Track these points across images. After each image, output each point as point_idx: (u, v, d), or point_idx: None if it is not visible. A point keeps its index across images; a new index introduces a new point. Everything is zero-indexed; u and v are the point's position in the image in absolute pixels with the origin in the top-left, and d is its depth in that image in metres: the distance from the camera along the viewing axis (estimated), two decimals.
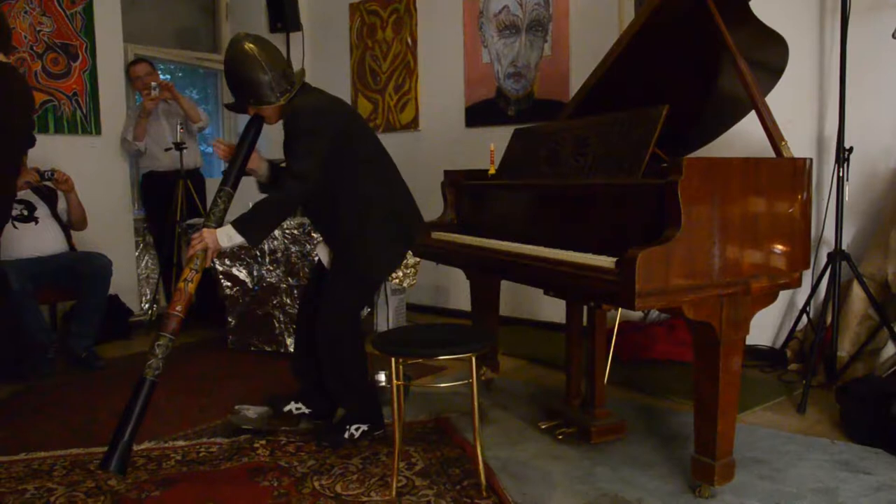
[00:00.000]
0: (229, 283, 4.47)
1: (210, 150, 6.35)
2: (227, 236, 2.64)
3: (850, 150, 3.34)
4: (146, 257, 5.47)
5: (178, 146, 4.92)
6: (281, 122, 2.82)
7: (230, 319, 4.52)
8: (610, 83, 2.81)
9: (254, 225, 2.67)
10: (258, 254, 4.37)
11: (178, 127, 4.96)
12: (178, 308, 2.63)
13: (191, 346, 4.70)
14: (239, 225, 2.65)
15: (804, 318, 3.67)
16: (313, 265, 3.31)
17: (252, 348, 4.46)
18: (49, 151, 4.66)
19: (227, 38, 5.73)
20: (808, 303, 3.61)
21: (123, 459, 2.43)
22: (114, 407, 3.42)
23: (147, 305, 5.39)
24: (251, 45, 2.70)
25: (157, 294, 5.37)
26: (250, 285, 4.43)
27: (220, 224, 2.72)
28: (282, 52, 2.80)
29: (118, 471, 2.42)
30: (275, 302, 4.34)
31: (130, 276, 5.27)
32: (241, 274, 4.45)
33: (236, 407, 3.10)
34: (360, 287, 2.89)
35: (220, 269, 4.46)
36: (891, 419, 2.68)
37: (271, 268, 4.33)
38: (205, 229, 2.67)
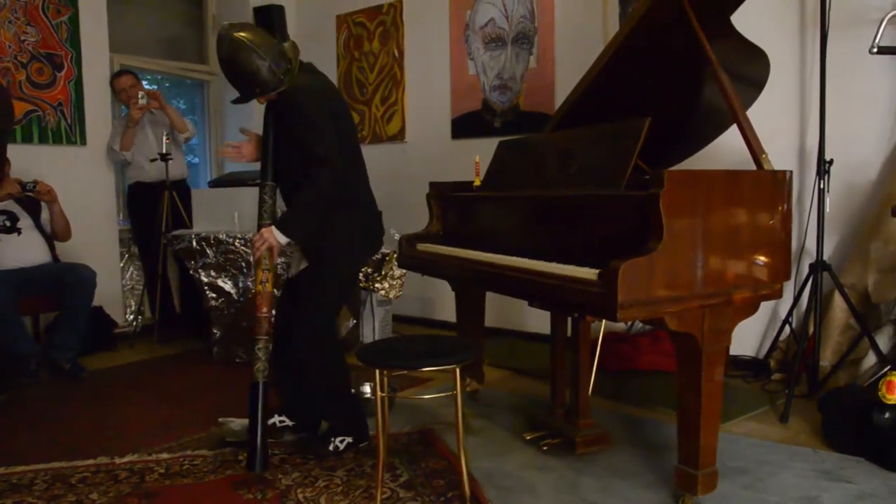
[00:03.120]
0: (214, 295, 4.45)
1: (196, 160, 6.35)
2: (280, 234, 2.70)
3: (831, 162, 3.37)
4: (131, 268, 5.44)
5: (164, 157, 4.90)
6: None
7: (215, 331, 4.50)
8: (594, 95, 2.82)
9: (296, 223, 2.72)
10: (243, 265, 4.37)
11: (164, 137, 4.94)
12: (265, 309, 2.75)
13: (175, 357, 4.68)
14: (282, 226, 2.70)
15: (787, 329, 3.69)
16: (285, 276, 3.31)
17: (237, 360, 4.44)
18: (33, 162, 4.64)
19: (214, 49, 5.75)
20: (790, 313, 3.63)
21: (263, 458, 2.68)
22: (98, 419, 3.40)
23: (132, 317, 5.36)
24: (241, 34, 2.64)
25: (142, 305, 5.34)
26: (235, 297, 4.42)
27: (273, 219, 2.77)
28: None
29: (262, 468, 2.67)
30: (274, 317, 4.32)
31: (115, 287, 5.24)
32: (227, 285, 4.43)
33: (220, 419, 3.09)
34: (331, 285, 2.85)
35: (206, 280, 4.44)
36: (872, 428, 2.70)
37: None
38: (263, 229, 2.72)
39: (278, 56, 2.69)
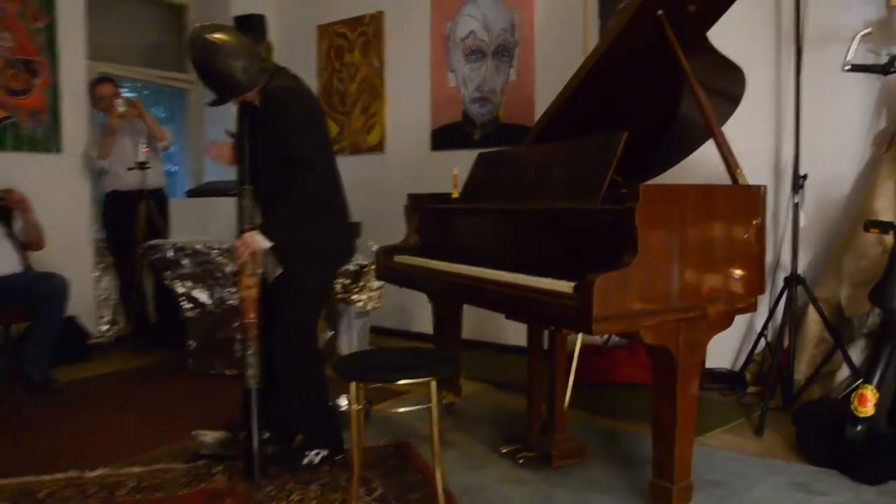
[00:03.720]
0: (190, 305, 4.42)
1: (175, 168, 6.30)
2: (263, 239, 2.69)
3: (805, 177, 3.42)
4: (106, 278, 5.38)
5: (142, 165, 4.86)
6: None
7: (190, 342, 4.46)
8: (573, 109, 2.84)
9: (280, 227, 2.71)
10: (220, 275, 4.33)
11: (142, 146, 4.89)
12: (252, 315, 2.73)
13: (149, 368, 4.63)
14: (267, 230, 2.69)
15: (762, 342, 3.72)
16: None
17: (212, 372, 4.40)
18: (7, 169, 4.58)
19: None
20: (765, 326, 3.66)
21: (262, 466, 2.70)
22: (69, 432, 3.35)
23: (106, 328, 5.29)
24: (213, 36, 2.62)
25: (116, 316, 5.27)
26: (212, 307, 4.38)
27: (253, 223, 2.75)
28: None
29: (261, 477, 2.69)
30: (236, 325, 4.29)
31: (88, 297, 5.17)
32: (203, 296, 4.40)
33: (194, 432, 3.05)
34: (308, 293, 2.84)
35: (181, 290, 4.40)
36: (844, 441, 2.72)
37: (233, 290, 4.29)
38: (245, 233, 2.70)
39: (252, 56, 2.69)
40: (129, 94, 5.47)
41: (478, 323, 4.78)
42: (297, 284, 2.80)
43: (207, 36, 2.62)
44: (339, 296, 4.53)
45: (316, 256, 2.82)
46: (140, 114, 5.06)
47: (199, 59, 2.65)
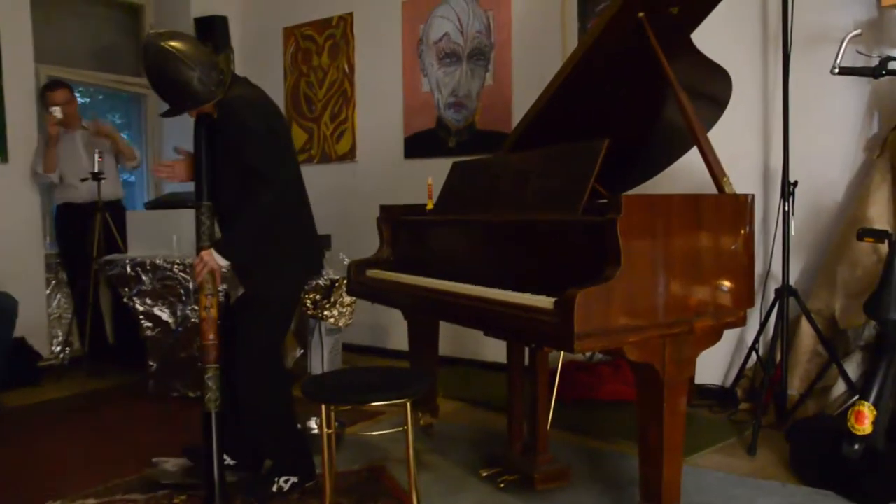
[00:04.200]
0: (150, 324, 4.38)
1: (132, 178, 6.25)
2: (221, 257, 2.69)
3: (795, 183, 3.46)
4: (59, 296, 5.32)
5: (96, 176, 4.82)
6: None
7: (151, 362, 4.43)
8: (551, 114, 2.86)
9: (236, 245, 2.71)
10: (182, 292, 4.30)
11: (97, 155, 4.85)
12: (212, 336, 2.73)
13: (106, 392, 4.58)
14: (222, 248, 2.68)
15: (753, 356, 3.75)
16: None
17: (174, 394, 4.37)
18: None
19: None
20: (756, 340, 3.69)
21: (224, 494, 2.67)
22: (17, 461, 3.30)
23: (59, 348, 5.23)
24: (168, 44, 2.62)
25: (70, 336, 5.21)
26: (173, 326, 4.35)
27: (212, 240, 2.75)
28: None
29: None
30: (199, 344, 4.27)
31: (40, 316, 5.11)
32: (164, 314, 4.37)
33: (154, 459, 3.02)
34: (272, 311, 2.84)
35: (141, 308, 4.37)
36: (841, 460, 2.72)
37: (196, 307, 4.26)
38: (203, 252, 2.69)
39: (209, 67, 2.69)
40: (82, 101, 5.44)
41: (455, 339, 4.78)
42: (259, 302, 2.80)
43: (162, 43, 2.62)
44: (310, 312, 4.52)
45: (278, 272, 2.82)
46: (112, 139, 5.06)
47: (152, 67, 2.66)
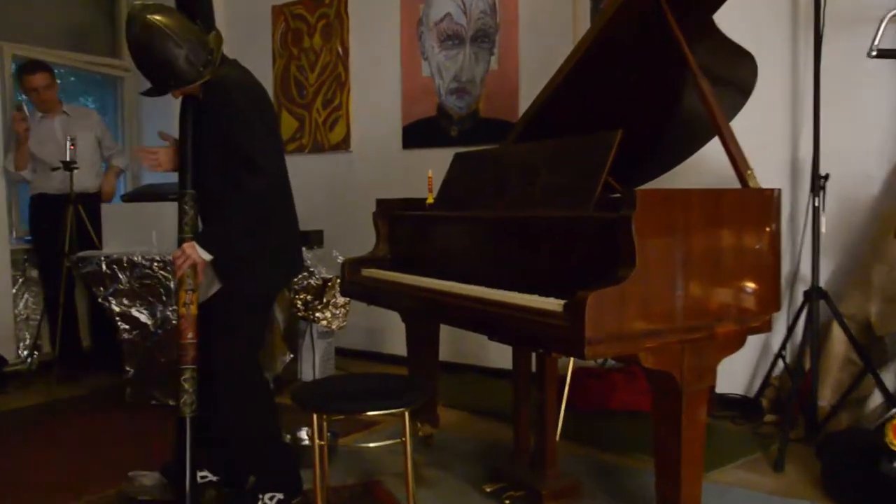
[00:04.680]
0: (127, 326, 4.39)
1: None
2: (204, 251, 2.68)
3: (826, 177, 3.46)
4: (26, 295, 5.33)
5: (68, 165, 4.82)
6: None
7: (128, 368, 4.44)
8: (561, 102, 2.87)
9: (221, 238, 2.71)
10: (162, 292, 4.32)
11: (69, 143, 4.85)
12: (190, 335, 2.72)
13: (79, 400, 4.60)
14: (205, 241, 2.68)
15: (780, 364, 3.76)
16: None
17: (153, 402, 4.38)
18: None
19: None
20: (783, 346, 3.70)
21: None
22: None
23: (26, 353, 5.24)
24: (155, 17, 2.62)
25: (39, 338, 5.22)
26: (152, 328, 4.37)
27: (196, 232, 2.76)
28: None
29: None
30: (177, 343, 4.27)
31: (5, 317, 5.13)
32: (142, 315, 4.38)
33: (131, 474, 3.03)
34: (249, 312, 2.85)
35: (117, 309, 4.38)
36: (878, 478, 2.71)
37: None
38: (185, 244, 2.69)
39: (198, 45, 2.69)
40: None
41: (457, 343, 4.80)
42: (237, 301, 2.80)
43: (149, 17, 2.62)
44: (301, 314, 4.53)
45: (260, 269, 2.83)
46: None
47: (136, 42, 2.66)
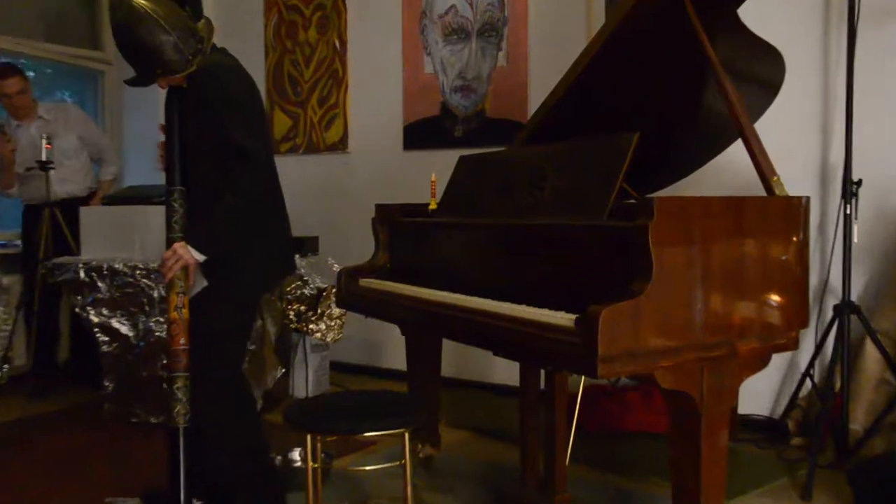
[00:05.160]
0: (107, 338, 4.41)
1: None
2: (196, 251, 2.71)
3: (859, 183, 3.46)
4: None
5: (44, 165, 4.84)
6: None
7: (107, 383, 4.45)
8: (574, 102, 2.87)
9: (215, 237, 2.74)
10: (145, 301, 4.33)
11: (44, 142, 4.86)
12: (182, 340, 2.75)
13: (54, 416, 4.60)
14: (198, 241, 2.71)
15: (808, 383, 3.75)
16: None
17: (133, 419, 4.39)
18: None
19: (110, 31, 5.71)
20: (811, 364, 3.70)
21: None
22: None
23: None
24: (141, 1, 2.64)
25: (10, 351, 5.21)
26: (134, 340, 4.38)
27: (186, 230, 2.78)
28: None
29: None
30: (165, 361, 4.29)
31: None
32: (123, 327, 4.39)
33: (108, 500, 3.04)
34: (234, 319, 2.87)
35: (96, 320, 4.39)
36: None
37: (161, 319, 4.28)
38: (176, 244, 2.72)
39: (187, 32, 2.72)
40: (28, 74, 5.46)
41: (460, 358, 4.80)
42: (222, 302, 2.83)
43: (134, 1, 2.65)
44: (294, 325, 4.55)
45: (249, 268, 2.85)
46: None
47: (122, 27, 2.68)
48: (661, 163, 3.04)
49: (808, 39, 3.89)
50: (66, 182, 5.15)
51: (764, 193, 2.47)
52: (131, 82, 2.81)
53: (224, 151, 2.69)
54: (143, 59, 2.71)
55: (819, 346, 3.66)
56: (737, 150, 2.87)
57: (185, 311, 2.75)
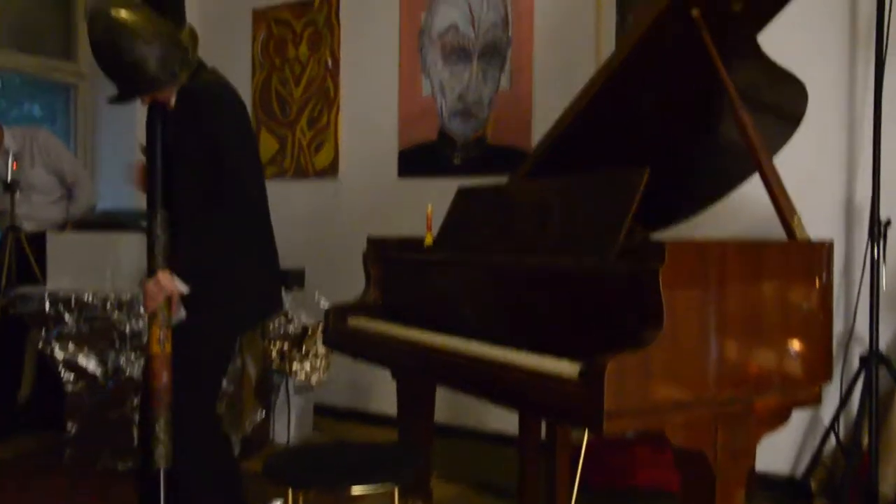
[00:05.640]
0: (71, 376, 4.38)
1: None
2: (181, 281, 2.70)
3: (888, 223, 3.46)
4: None
5: (9, 186, 4.84)
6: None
7: (70, 425, 4.41)
8: (582, 132, 2.89)
9: (199, 267, 2.73)
10: (115, 336, 4.31)
11: (10, 161, 4.86)
12: (165, 378, 2.74)
13: (11, 461, 4.55)
14: (181, 269, 2.70)
15: (832, 439, 3.73)
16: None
17: (98, 466, 4.35)
18: None
19: (86, 42, 5.72)
20: (836, 419, 3.68)
21: None
22: None
23: None
24: (121, 13, 2.66)
25: None
26: (102, 379, 4.35)
27: (168, 258, 2.77)
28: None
29: None
30: (135, 402, 4.26)
31: None
32: (90, 363, 4.36)
33: None
34: (210, 357, 2.88)
35: (61, 356, 4.37)
36: None
37: (133, 355, 4.27)
38: (159, 273, 2.71)
39: (170, 44, 2.74)
40: None
41: (454, 403, 4.78)
42: (200, 338, 2.82)
43: (113, 12, 2.67)
44: (276, 365, 4.53)
45: (233, 304, 2.85)
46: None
47: (100, 41, 2.70)
48: (673, 198, 3.05)
49: (832, 67, 3.91)
50: (31, 220, 5.13)
51: (783, 233, 2.48)
52: (114, 100, 2.82)
53: (215, 176, 2.70)
54: (126, 75, 2.73)
55: (844, 400, 3.65)
56: (754, 183, 2.89)
57: (168, 346, 2.75)
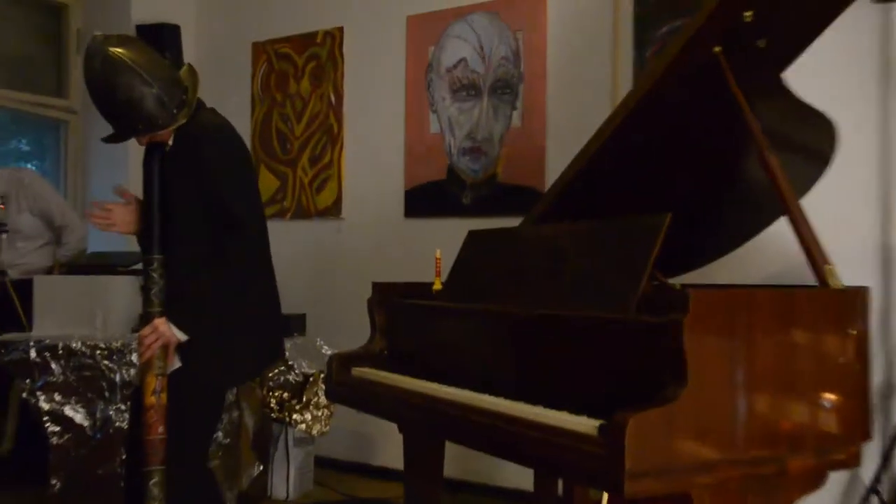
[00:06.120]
0: (58, 428, 4.35)
1: None
2: (178, 329, 2.71)
3: None
4: None
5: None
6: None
7: (54, 481, 4.38)
8: (597, 174, 2.89)
9: (201, 314, 2.74)
10: (104, 386, 4.29)
11: None
12: (161, 430, 2.74)
13: None
14: (178, 317, 2.71)
15: (875, 502, 3.68)
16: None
17: None
18: None
19: (78, 78, 5.74)
20: (877, 479, 3.62)
21: None
22: None
23: None
24: (118, 51, 2.68)
25: None
26: (89, 431, 4.32)
27: (165, 305, 2.78)
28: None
29: None
30: (125, 456, 4.23)
31: None
32: (77, 415, 4.33)
33: None
34: (205, 397, 2.87)
35: (47, 406, 4.35)
36: None
37: (122, 406, 4.25)
38: (156, 320, 2.72)
39: (170, 83, 2.76)
40: None
41: (465, 456, 4.71)
42: (193, 388, 2.82)
43: (111, 50, 2.69)
44: (275, 415, 4.51)
45: (232, 353, 2.85)
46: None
47: (97, 80, 2.72)
48: (695, 242, 3.04)
49: (864, 102, 3.90)
50: (15, 267, 5.14)
51: (813, 279, 2.46)
52: (109, 139, 2.84)
53: (215, 219, 2.72)
54: (123, 114, 2.75)
55: (886, 458, 3.60)
56: (782, 222, 2.88)
57: (164, 396, 2.75)
